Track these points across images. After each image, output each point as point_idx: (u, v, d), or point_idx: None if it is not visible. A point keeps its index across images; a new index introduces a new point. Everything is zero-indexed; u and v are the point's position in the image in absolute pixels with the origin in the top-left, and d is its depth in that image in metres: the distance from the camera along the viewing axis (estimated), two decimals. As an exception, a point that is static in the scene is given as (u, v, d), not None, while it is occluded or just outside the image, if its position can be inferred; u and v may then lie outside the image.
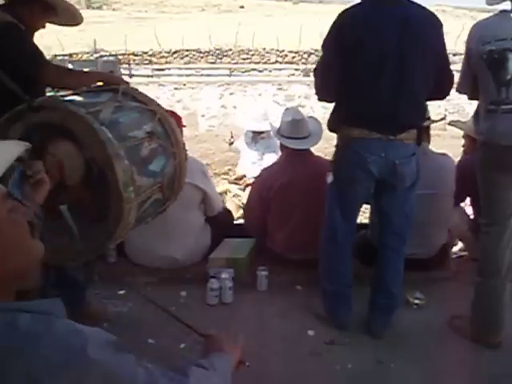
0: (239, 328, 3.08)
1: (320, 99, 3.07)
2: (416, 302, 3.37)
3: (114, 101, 2.23)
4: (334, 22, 2.79)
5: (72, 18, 2.96)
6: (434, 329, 3.15)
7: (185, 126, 3.48)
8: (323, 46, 2.90)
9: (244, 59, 33.39)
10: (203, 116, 18.23)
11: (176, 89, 19.03)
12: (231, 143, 6.78)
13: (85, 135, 2.03)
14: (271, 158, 5.40)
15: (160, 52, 34.13)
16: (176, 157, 2.32)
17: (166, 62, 32.47)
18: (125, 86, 2.39)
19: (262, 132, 5.87)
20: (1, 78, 2.44)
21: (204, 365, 1.33)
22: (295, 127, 3.63)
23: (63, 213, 2.10)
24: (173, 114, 3.56)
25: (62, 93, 2.39)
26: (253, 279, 3.50)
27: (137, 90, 2.48)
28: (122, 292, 3.56)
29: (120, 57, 31.70)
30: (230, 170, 12.37)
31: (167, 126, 2.33)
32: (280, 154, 4.01)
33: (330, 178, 3.00)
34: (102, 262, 3.84)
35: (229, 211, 4.18)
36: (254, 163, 5.98)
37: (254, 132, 5.99)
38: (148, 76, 26.24)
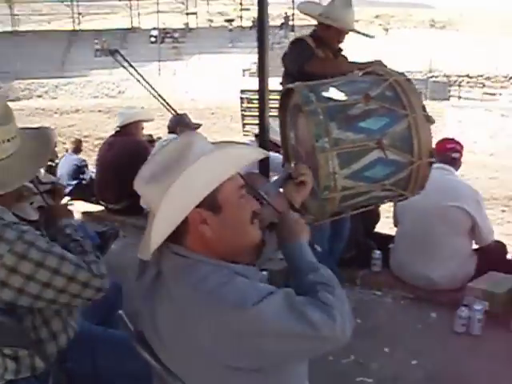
0: (482, 363, 3.03)
1: None
2: None
3: (348, 77, 2.71)
4: None
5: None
6: None
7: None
8: None
9: None
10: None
11: (503, 115, 18.07)
12: None
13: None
14: None
15: (496, 76, 32.59)
16: (408, 118, 2.47)
17: (501, 87, 30.85)
18: (375, 67, 2.79)
19: None
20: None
21: (325, 281, 1.42)
22: None
23: None
24: (451, 141, 3.68)
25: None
26: (508, 318, 3.33)
27: (386, 68, 2.83)
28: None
29: (453, 78, 31.34)
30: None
31: (399, 90, 2.53)
32: None
33: None
34: (368, 270, 4.13)
35: (503, 245, 4.01)
36: None
37: None
38: (475, 100, 25.40)
